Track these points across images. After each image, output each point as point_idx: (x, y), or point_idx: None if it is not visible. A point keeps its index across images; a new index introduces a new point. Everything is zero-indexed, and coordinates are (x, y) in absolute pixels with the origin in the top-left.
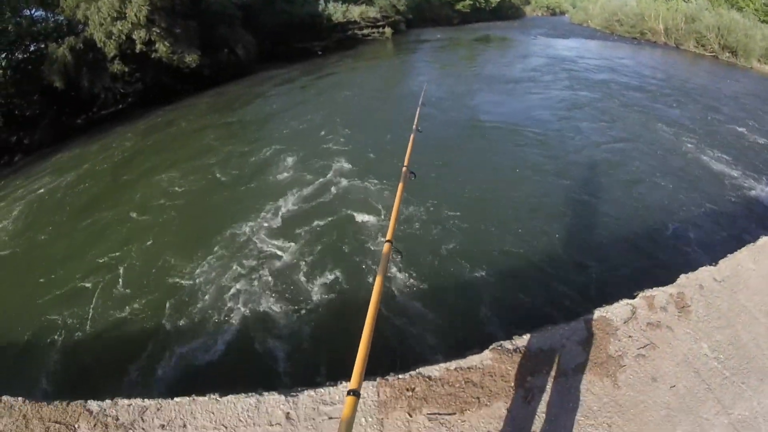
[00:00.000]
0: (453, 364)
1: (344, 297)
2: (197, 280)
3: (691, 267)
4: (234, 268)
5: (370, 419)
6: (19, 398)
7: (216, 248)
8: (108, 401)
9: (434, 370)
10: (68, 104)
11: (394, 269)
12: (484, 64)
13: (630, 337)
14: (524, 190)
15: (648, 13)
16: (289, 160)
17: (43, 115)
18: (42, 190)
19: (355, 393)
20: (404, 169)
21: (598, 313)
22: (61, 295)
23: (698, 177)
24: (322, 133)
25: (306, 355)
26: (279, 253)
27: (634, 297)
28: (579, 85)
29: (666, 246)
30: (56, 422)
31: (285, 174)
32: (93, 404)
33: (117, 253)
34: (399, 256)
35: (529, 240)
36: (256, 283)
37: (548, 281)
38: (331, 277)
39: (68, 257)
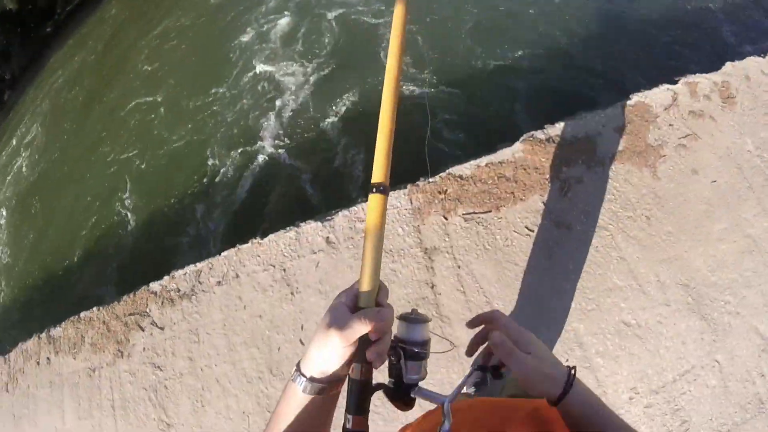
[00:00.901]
0: (484, 160)
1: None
2: (216, 123)
3: (737, 56)
4: (245, 102)
5: (406, 227)
6: (94, 309)
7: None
8: (166, 277)
9: (465, 169)
10: (30, 19)
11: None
12: None
13: (671, 125)
14: None
15: None
16: None
17: (11, 44)
18: (46, 105)
19: (379, 189)
20: None
21: (636, 98)
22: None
23: None
24: None
25: (333, 173)
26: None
27: (675, 82)
28: None
29: (708, 31)
30: (131, 314)
31: None
32: (155, 285)
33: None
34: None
35: (558, 27)
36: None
37: (582, 65)
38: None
39: (96, 152)
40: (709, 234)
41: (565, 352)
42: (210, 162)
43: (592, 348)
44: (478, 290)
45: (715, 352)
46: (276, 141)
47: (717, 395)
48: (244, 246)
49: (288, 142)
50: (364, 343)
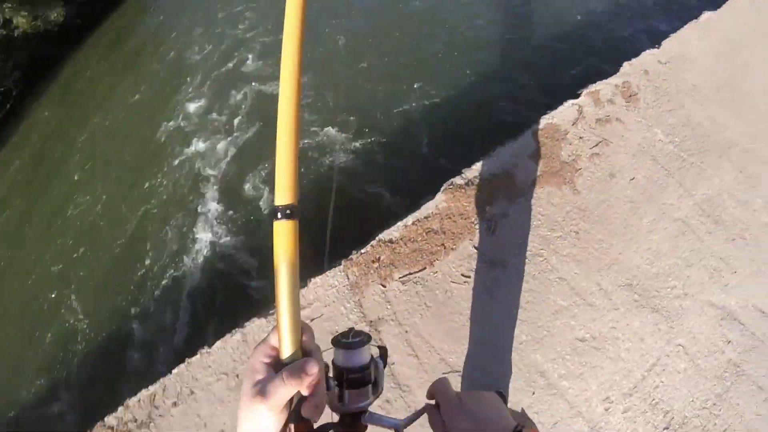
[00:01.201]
0: (410, 219)
1: None
2: (154, 215)
3: (635, 54)
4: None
5: (348, 304)
6: None
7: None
8: (120, 408)
9: (393, 232)
10: None
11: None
12: None
13: (581, 138)
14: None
15: None
16: None
17: None
18: None
19: (286, 213)
20: None
21: (544, 120)
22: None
23: None
24: None
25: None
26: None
27: (578, 96)
28: None
29: (605, 38)
30: None
31: None
32: (110, 419)
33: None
34: None
35: (458, 66)
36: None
37: (488, 101)
38: None
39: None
40: (639, 230)
41: (528, 385)
42: (150, 261)
43: (554, 373)
44: (430, 350)
45: (676, 338)
46: (215, 228)
47: (690, 376)
48: (194, 358)
49: (228, 226)
50: (297, 401)
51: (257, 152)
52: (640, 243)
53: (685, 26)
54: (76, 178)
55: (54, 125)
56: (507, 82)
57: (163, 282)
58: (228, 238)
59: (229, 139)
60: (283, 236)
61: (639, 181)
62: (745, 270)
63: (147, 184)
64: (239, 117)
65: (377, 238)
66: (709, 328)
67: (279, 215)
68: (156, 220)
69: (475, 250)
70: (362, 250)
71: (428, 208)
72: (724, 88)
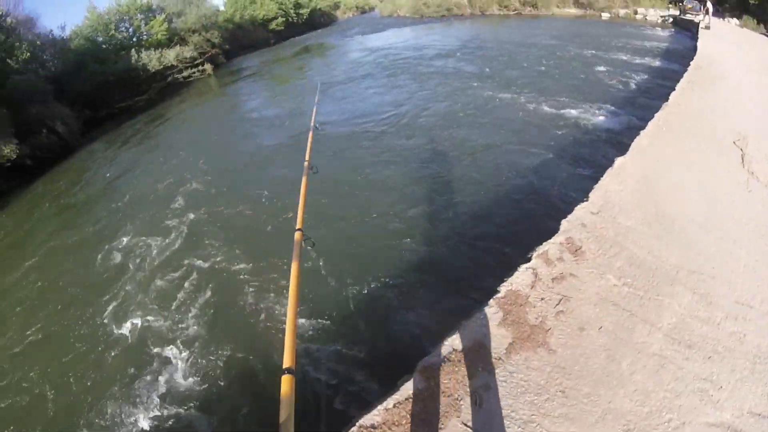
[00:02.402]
0: (390, 401)
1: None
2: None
3: (568, 210)
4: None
5: None
6: None
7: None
8: None
9: (375, 417)
10: None
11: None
12: (314, 75)
13: (542, 299)
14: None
15: None
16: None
17: None
18: None
19: (290, 371)
20: (306, 164)
21: (504, 288)
22: None
23: (534, 123)
24: (174, 183)
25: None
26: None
27: (529, 259)
28: (404, 71)
29: (536, 200)
30: None
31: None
32: None
33: None
34: (312, 245)
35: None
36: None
37: (445, 273)
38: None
39: None
40: (621, 374)
41: None
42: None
43: None
44: None
45: None
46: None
47: None
48: None
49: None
50: None
51: (212, 339)
52: (626, 387)
53: (605, 175)
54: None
55: None
56: (451, 254)
57: None
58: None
59: (184, 320)
60: (285, 385)
61: (607, 328)
62: (730, 381)
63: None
64: (197, 298)
65: (357, 424)
66: None
67: (284, 373)
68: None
69: (465, 426)
70: None
71: (407, 389)
72: (654, 222)
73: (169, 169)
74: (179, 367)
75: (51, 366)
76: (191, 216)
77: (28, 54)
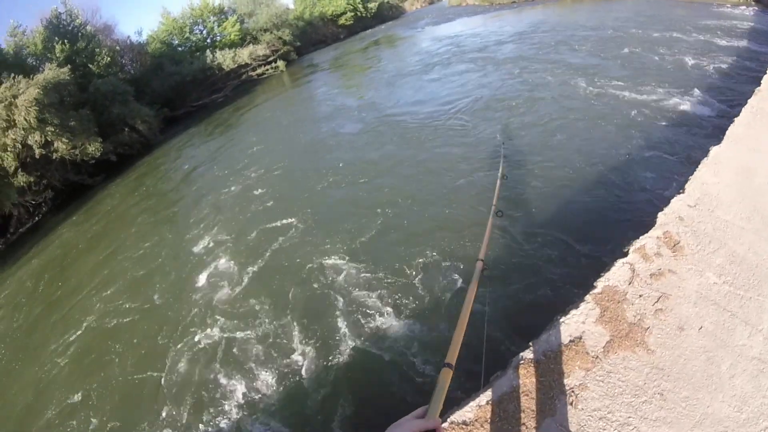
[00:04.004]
0: (483, 398)
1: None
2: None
3: (662, 202)
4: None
5: None
6: None
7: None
8: None
9: (466, 413)
10: None
11: None
12: (386, 68)
13: (640, 296)
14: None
15: None
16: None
17: None
18: None
19: (449, 366)
20: (479, 263)
21: (600, 284)
22: None
23: (619, 111)
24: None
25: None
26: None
27: (626, 254)
28: (474, 60)
29: (628, 191)
30: None
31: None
32: None
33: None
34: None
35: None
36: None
37: (533, 271)
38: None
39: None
40: (720, 378)
41: None
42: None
43: None
44: None
45: None
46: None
47: None
48: None
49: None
50: None
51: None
52: (725, 391)
53: (700, 165)
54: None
55: (71, 247)
56: (547, 249)
57: None
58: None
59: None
60: (443, 376)
61: (707, 329)
62: None
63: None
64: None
65: (449, 420)
66: None
67: (445, 365)
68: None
69: (559, 426)
70: None
71: (501, 386)
72: (753, 216)
73: (246, 160)
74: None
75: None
76: (280, 207)
77: (109, 59)
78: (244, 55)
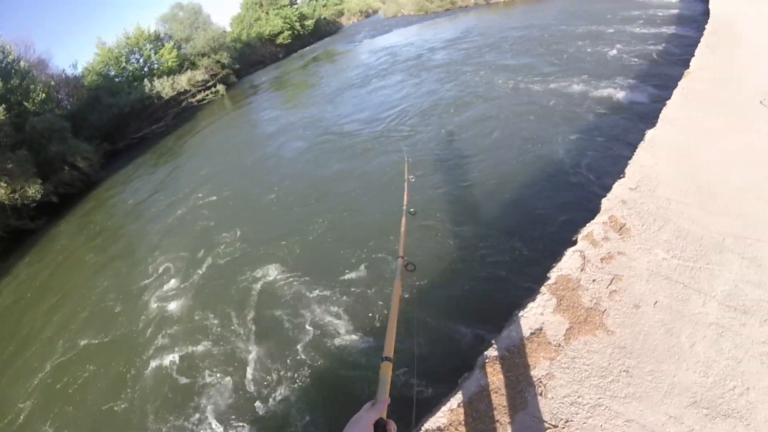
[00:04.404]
0: (454, 401)
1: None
2: None
3: (605, 188)
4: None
5: None
6: None
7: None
8: None
9: (440, 419)
10: None
11: None
12: (326, 83)
13: (594, 281)
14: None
15: None
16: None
17: None
18: None
19: (388, 359)
20: (400, 260)
21: (554, 274)
22: None
23: (555, 106)
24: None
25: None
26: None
27: (575, 242)
28: (411, 68)
29: (568, 184)
30: None
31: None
32: None
33: None
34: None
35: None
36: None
37: (486, 269)
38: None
39: None
40: (681, 348)
41: None
42: None
43: None
44: None
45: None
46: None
47: None
48: None
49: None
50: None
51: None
52: (688, 360)
53: (637, 149)
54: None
55: (21, 296)
56: (496, 248)
57: None
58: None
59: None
60: (384, 369)
61: (662, 303)
62: None
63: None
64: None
65: (424, 429)
66: None
67: (384, 359)
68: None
69: (532, 418)
70: None
71: (470, 386)
72: (693, 191)
73: (191, 186)
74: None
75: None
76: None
77: (44, 95)
78: (183, 81)
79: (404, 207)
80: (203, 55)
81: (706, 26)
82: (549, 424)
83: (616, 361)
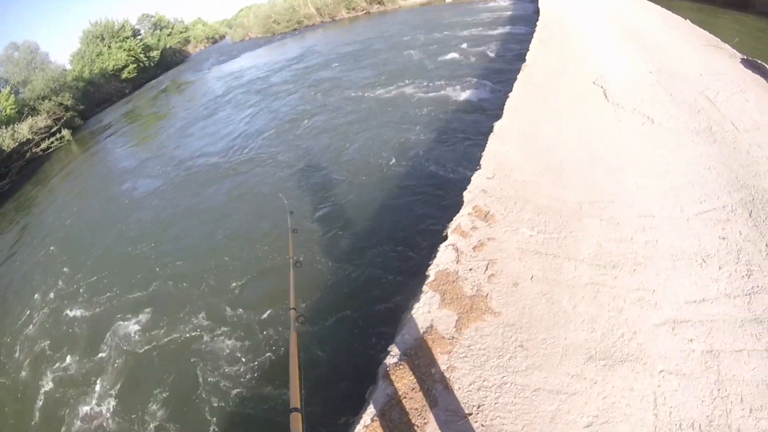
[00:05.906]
0: (367, 417)
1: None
2: None
3: (464, 182)
4: None
5: None
6: None
7: None
8: None
9: None
10: None
11: None
12: (177, 116)
13: (471, 269)
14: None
15: (297, 3)
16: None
17: None
18: None
19: (296, 410)
20: (292, 312)
21: (432, 271)
22: None
23: (405, 113)
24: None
25: None
26: None
27: (446, 237)
28: (260, 92)
29: (433, 182)
30: None
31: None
32: None
33: None
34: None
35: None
36: None
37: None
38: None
39: None
40: (565, 312)
41: None
42: None
43: None
44: None
45: (654, 368)
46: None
47: (686, 386)
48: None
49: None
50: None
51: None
52: (574, 321)
53: (489, 140)
54: None
55: None
56: (372, 258)
57: None
58: None
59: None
60: (293, 421)
61: (538, 276)
62: (659, 283)
63: None
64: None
65: None
66: (672, 342)
67: (292, 410)
68: None
69: (447, 412)
70: None
71: (378, 398)
72: (545, 171)
73: (42, 256)
74: None
75: None
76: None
77: None
78: (24, 130)
79: (290, 258)
80: (44, 98)
81: (537, 23)
82: (463, 413)
83: (509, 338)
